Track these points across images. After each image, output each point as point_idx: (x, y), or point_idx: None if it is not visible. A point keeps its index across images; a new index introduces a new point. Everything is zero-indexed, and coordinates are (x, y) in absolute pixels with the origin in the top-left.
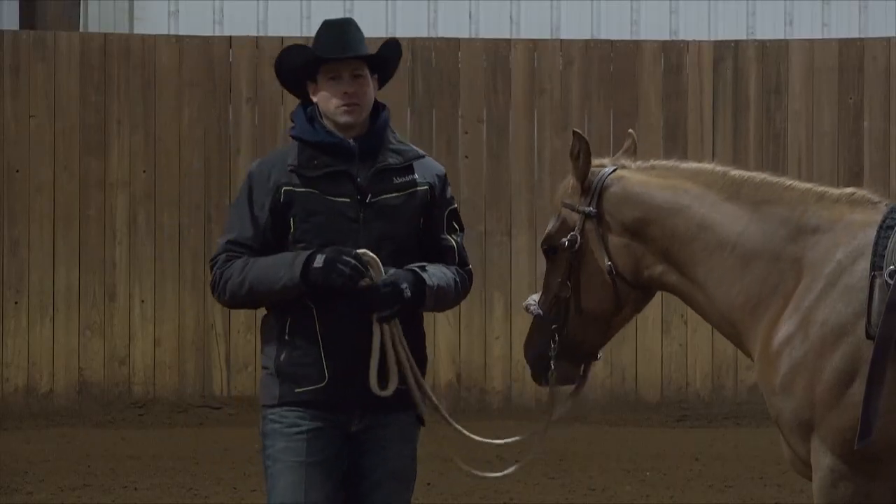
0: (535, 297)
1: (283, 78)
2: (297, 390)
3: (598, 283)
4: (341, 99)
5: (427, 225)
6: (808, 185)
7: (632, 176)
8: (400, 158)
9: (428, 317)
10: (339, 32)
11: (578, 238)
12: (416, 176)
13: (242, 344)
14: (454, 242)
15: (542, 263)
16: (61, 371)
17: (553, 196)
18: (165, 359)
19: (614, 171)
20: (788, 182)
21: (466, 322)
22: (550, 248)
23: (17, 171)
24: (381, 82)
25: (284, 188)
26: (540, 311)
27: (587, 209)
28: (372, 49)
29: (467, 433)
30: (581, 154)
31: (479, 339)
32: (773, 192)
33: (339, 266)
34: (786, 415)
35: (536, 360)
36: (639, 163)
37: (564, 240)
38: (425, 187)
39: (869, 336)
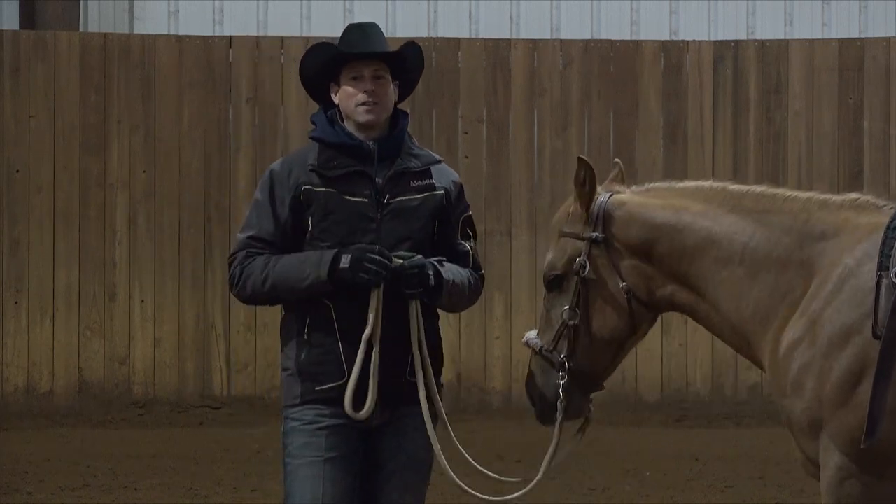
0: (533, 332)
1: (307, 78)
2: (317, 388)
3: (613, 306)
4: (362, 97)
5: (442, 230)
6: (810, 194)
7: (633, 199)
8: (418, 162)
9: None
10: (364, 33)
11: (587, 264)
12: (434, 180)
13: (242, 344)
14: (469, 247)
15: (541, 262)
16: (61, 371)
17: (552, 221)
18: (165, 359)
19: (611, 196)
20: (789, 192)
21: (466, 322)
22: (555, 278)
23: (17, 171)
24: (405, 92)
25: (304, 187)
26: (543, 345)
27: (594, 234)
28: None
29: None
30: (587, 181)
31: (479, 339)
32: (774, 202)
33: (366, 264)
34: (796, 415)
35: (544, 395)
36: (634, 187)
37: (573, 266)
38: (441, 192)
39: (876, 336)
